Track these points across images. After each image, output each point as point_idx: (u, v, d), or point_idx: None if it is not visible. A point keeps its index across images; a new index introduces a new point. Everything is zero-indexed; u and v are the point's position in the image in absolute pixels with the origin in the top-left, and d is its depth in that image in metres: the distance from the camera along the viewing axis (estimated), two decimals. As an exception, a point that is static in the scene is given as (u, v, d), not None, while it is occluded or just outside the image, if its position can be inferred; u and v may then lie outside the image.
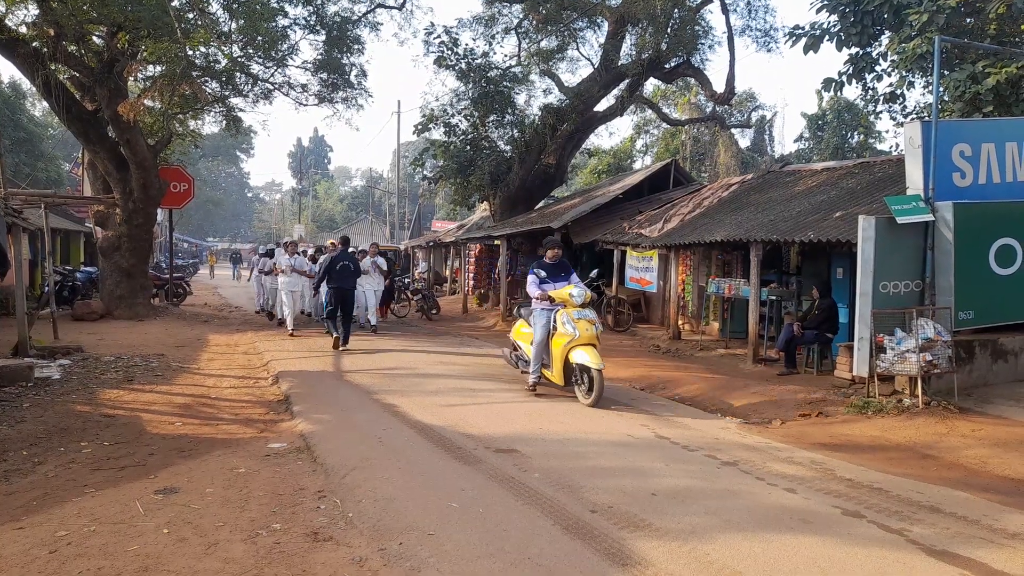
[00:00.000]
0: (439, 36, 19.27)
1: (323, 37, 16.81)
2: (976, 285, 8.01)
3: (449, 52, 19.23)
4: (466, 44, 19.77)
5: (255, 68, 16.05)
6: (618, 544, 3.99)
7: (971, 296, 7.96)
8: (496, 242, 19.57)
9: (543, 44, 20.17)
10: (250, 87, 16.43)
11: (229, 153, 68.66)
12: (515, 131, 19.76)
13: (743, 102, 33.81)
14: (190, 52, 13.06)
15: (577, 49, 20.40)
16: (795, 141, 36.66)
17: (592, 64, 19.72)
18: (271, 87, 16.70)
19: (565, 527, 4.24)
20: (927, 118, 9.15)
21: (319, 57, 16.96)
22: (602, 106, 20.13)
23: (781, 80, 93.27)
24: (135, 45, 13.90)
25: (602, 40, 19.09)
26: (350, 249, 13.44)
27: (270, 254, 16.77)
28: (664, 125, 29.77)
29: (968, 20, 11.73)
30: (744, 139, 34.93)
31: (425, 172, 21.82)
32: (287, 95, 16.95)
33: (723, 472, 5.36)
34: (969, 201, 8.04)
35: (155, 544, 3.95)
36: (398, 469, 5.36)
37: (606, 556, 3.85)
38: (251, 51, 14.99)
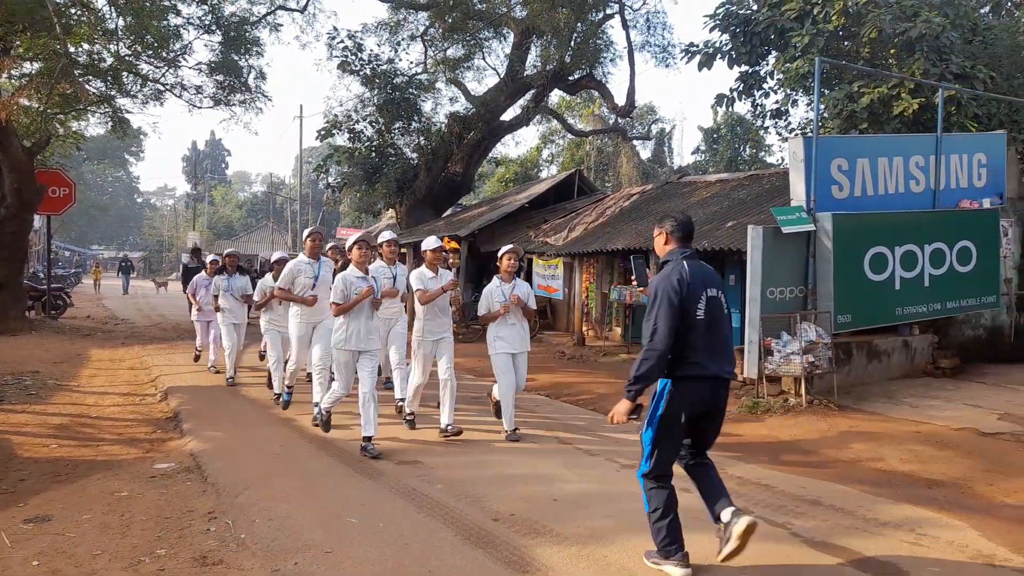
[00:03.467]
0: (343, 41, 18.94)
1: (219, 38, 16.19)
2: (853, 290, 8.57)
3: (353, 57, 18.93)
4: (371, 50, 19.50)
5: (144, 68, 15.26)
6: (519, 552, 4.01)
7: (849, 301, 8.50)
8: (403, 250, 19.36)
9: (449, 52, 20.18)
10: (139, 87, 15.61)
11: (116, 156, 64.80)
12: (422, 138, 19.65)
13: (644, 115, 34.95)
14: (71, 49, 12.26)
15: (483, 59, 20.55)
16: (692, 153, 38.30)
17: (498, 74, 19.90)
18: (162, 88, 15.92)
19: (467, 537, 4.22)
20: (809, 134, 9.74)
21: (215, 58, 16.30)
22: (508, 115, 20.35)
23: (680, 94, 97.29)
24: (8, 39, 12.91)
25: (508, 51, 19.32)
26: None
27: (256, 271, 10.26)
28: (569, 136, 30.37)
29: (846, 43, 12.59)
30: (645, 150, 36.10)
31: (329, 179, 21.36)
32: (180, 97, 16.22)
33: (623, 475, 5.48)
34: (846, 212, 8.60)
35: (22, 578, 3.65)
36: (296, 486, 5.19)
37: (507, 564, 3.86)
38: (140, 50, 14.22)
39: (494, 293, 6.73)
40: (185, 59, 15.91)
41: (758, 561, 3.92)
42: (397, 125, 19.42)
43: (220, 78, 16.39)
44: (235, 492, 5.01)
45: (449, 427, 6.51)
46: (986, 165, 10.04)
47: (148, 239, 69.55)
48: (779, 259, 8.29)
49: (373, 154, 19.61)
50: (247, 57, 16.68)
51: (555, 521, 4.47)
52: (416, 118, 19.46)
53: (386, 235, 7.28)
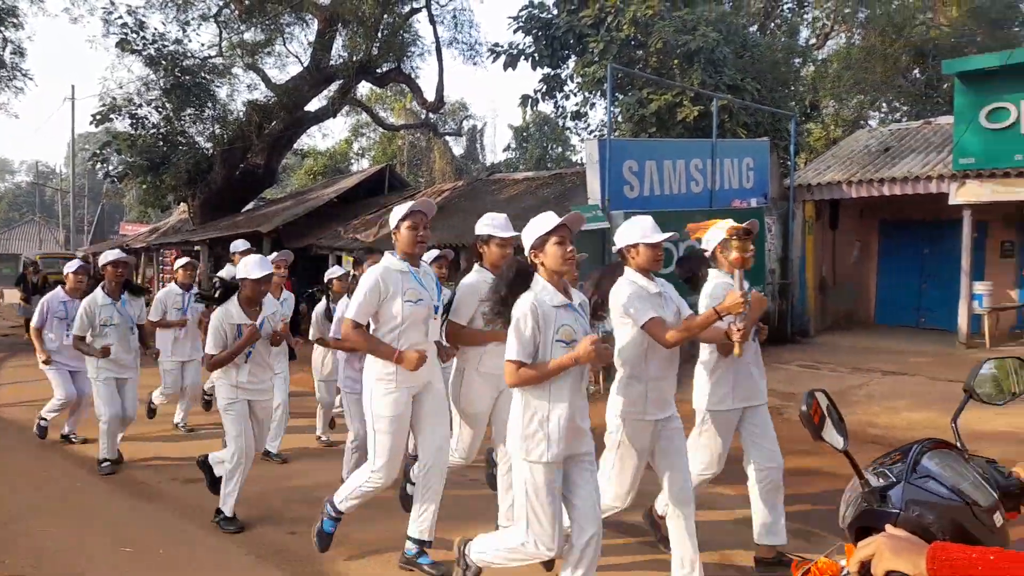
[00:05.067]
0: (121, 17, 17.09)
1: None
2: (644, 283, 9.21)
3: (135, 35, 17.15)
4: (155, 28, 17.78)
5: None
6: (316, 563, 3.83)
7: (641, 293, 9.13)
8: (197, 248, 17.93)
9: (247, 36, 18.92)
10: None
11: None
12: (217, 127, 18.29)
13: (456, 111, 35.29)
14: None
15: (285, 45, 19.52)
16: (504, 151, 39.18)
17: (301, 63, 19.03)
18: None
19: (260, 555, 3.96)
20: (604, 137, 10.33)
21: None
22: (314, 106, 19.53)
23: (491, 92, 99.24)
24: None
25: (312, 38, 18.52)
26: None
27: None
28: (381, 129, 29.90)
29: (638, 52, 13.52)
30: (458, 147, 36.43)
31: (109, 169, 19.22)
32: (-88, 69, 13.74)
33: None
34: (637, 211, 9.22)
35: None
36: (63, 516, 4.58)
37: (303, 580, 3.67)
38: None
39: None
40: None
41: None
42: (188, 111, 17.91)
43: (-34, 50, 14.13)
44: (-20, 532, 4.31)
45: None
46: (753, 169, 11.25)
47: None
48: (579, 255, 8.70)
49: (160, 142, 17.93)
50: (2, 29, 14.53)
51: (357, 526, 4.31)
52: (210, 104, 18.09)
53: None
